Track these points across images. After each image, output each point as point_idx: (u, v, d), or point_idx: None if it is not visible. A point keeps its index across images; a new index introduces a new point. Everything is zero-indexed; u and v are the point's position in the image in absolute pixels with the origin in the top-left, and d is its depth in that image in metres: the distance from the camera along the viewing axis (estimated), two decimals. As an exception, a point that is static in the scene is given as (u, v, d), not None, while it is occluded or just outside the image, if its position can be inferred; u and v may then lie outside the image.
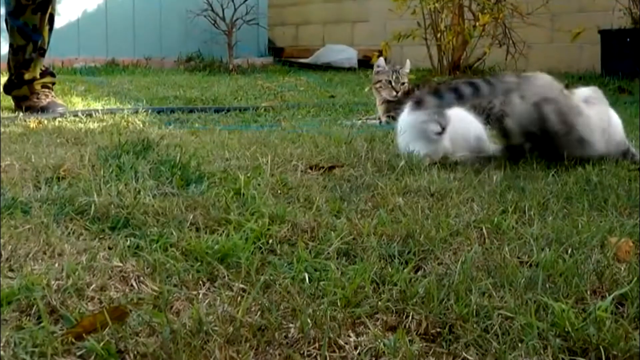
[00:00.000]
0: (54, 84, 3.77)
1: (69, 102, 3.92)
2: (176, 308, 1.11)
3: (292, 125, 3.08)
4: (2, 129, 2.89)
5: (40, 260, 1.32)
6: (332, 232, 1.47)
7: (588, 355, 0.98)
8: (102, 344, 0.95)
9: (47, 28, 3.56)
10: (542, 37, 6.61)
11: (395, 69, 3.40)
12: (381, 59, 3.49)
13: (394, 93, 3.33)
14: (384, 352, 0.97)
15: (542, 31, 6.42)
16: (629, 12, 5.79)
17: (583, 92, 2.38)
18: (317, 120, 3.26)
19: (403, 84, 3.36)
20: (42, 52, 3.60)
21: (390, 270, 1.26)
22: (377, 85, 3.41)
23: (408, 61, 3.45)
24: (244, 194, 1.76)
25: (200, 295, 1.16)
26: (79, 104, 3.96)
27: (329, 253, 1.34)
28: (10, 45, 3.60)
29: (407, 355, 0.96)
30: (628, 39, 5.62)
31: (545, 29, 6.49)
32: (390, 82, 3.35)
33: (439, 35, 6.39)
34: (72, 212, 1.60)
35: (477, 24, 6.13)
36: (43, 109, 3.51)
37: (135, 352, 0.95)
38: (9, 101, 3.79)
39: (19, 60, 3.58)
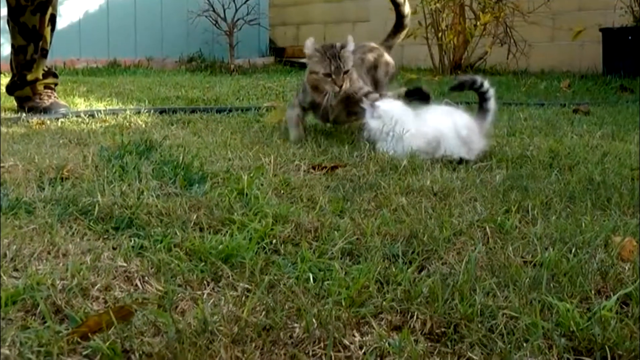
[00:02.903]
0: (56, 84, 3.77)
1: (71, 102, 3.93)
2: (181, 308, 1.12)
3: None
4: (5, 130, 2.90)
5: (44, 260, 1.32)
6: (336, 232, 1.47)
7: (593, 355, 0.99)
8: (107, 343, 0.95)
9: (48, 29, 3.56)
10: (543, 36, 6.61)
11: (333, 51, 2.58)
12: (309, 40, 2.65)
13: (337, 88, 2.55)
14: (389, 352, 0.97)
15: (543, 30, 6.42)
16: (630, 10, 5.79)
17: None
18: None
19: (347, 72, 2.57)
20: (44, 53, 3.60)
21: (394, 270, 1.26)
22: (313, 78, 2.62)
23: (350, 37, 2.64)
24: (247, 194, 1.76)
25: (205, 295, 1.16)
26: (81, 104, 3.96)
27: (332, 253, 1.35)
28: (12, 46, 3.60)
29: (413, 355, 0.96)
30: (630, 37, 5.62)
31: (547, 28, 6.49)
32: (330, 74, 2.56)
33: (440, 34, 6.39)
34: (75, 212, 1.60)
35: (478, 23, 6.14)
36: (46, 110, 3.51)
37: (141, 352, 0.95)
38: (11, 102, 3.80)
39: (21, 61, 3.59)
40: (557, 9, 6.47)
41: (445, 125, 2.35)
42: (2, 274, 1.22)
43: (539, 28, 6.25)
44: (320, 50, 2.60)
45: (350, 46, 2.62)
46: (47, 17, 3.52)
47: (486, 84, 2.48)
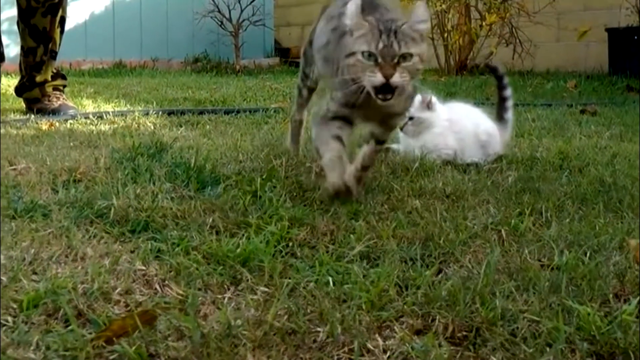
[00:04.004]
0: (65, 86, 3.78)
1: (79, 104, 3.93)
2: (202, 312, 1.12)
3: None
4: (15, 132, 2.90)
5: (63, 264, 1.32)
6: (352, 235, 1.47)
7: (615, 359, 0.99)
8: (134, 348, 0.96)
9: (58, 31, 3.57)
10: (549, 36, 6.61)
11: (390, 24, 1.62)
12: (354, 3, 1.67)
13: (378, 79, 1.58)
14: (412, 355, 0.98)
15: (548, 30, 6.42)
16: (636, 10, 5.79)
17: None
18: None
19: (404, 57, 1.60)
20: (53, 55, 3.61)
21: (412, 273, 1.27)
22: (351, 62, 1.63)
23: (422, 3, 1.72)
24: (260, 197, 1.77)
25: (226, 300, 1.17)
26: (89, 106, 3.97)
27: (351, 256, 1.35)
28: (22, 48, 3.61)
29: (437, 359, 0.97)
30: (635, 37, 5.61)
31: (552, 28, 6.49)
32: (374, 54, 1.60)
33: (445, 35, 6.40)
34: (91, 215, 1.61)
35: (484, 23, 6.14)
36: (54, 111, 3.52)
37: (167, 357, 0.96)
38: (20, 103, 3.81)
39: (30, 63, 3.59)
40: (563, 9, 6.47)
41: (467, 131, 2.35)
42: (21, 277, 1.23)
43: (545, 28, 6.24)
44: (370, 19, 1.64)
45: (422, 20, 1.66)
46: (58, 19, 3.53)
47: (509, 90, 2.48)
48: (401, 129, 2.36)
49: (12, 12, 5.27)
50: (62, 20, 3.58)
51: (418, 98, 2.37)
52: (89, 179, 1.97)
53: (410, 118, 2.34)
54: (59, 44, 3.64)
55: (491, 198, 1.83)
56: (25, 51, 3.59)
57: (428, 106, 2.34)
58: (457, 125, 2.37)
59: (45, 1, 3.43)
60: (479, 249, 1.43)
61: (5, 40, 3.62)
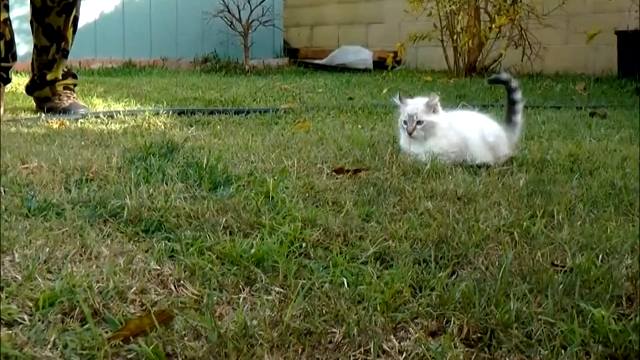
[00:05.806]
0: (75, 85, 3.80)
1: (89, 103, 3.95)
2: (218, 312, 1.13)
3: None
4: (25, 130, 2.92)
5: (78, 263, 1.33)
6: (365, 237, 1.48)
7: (631, 362, 0.99)
8: (151, 347, 0.97)
9: (71, 30, 3.58)
10: (558, 39, 6.60)
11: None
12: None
13: None
14: (428, 357, 0.98)
15: (558, 32, 6.41)
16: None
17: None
18: (339, 122, 3.26)
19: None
20: (65, 54, 3.63)
21: (426, 275, 1.27)
22: None
23: None
24: (273, 197, 1.77)
25: (241, 300, 1.18)
26: (99, 105, 3.98)
27: (364, 257, 1.35)
28: (35, 46, 3.63)
29: (453, 361, 0.97)
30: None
31: (561, 30, 6.48)
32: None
33: (455, 37, 6.39)
34: (105, 214, 1.62)
35: (493, 25, 6.13)
36: (65, 110, 3.54)
37: (184, 356, 0.96)
38: (30, 102, 3.82)
39: (43, 61, 3.61)
40: (572, 12, 6.45)
41: (472, 131, 2.35)
42: (36, 276, 1.23)
43: (554, 31, 6.23)
44: None
45: None
46: (71, 18, 3.54)
47: (519, 93, 2.47)
48: (410, 134, 2.35)
49: (22, 11, 5.31)
50: (75, 20, 3.59)
51: (423, 101, 2.38)
52: (101, 178, 1.98)
53: (419, 122, 2.34)
54: (71, 43, 3.66)
55: (502, 200, 1.83)
56: (39, 50, 3.60)
57: (433, 109, 2.35)
58: (459, 125, 2.37)
59: (60, 0, 3.45)
60: (492, 251, 1.43)
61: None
